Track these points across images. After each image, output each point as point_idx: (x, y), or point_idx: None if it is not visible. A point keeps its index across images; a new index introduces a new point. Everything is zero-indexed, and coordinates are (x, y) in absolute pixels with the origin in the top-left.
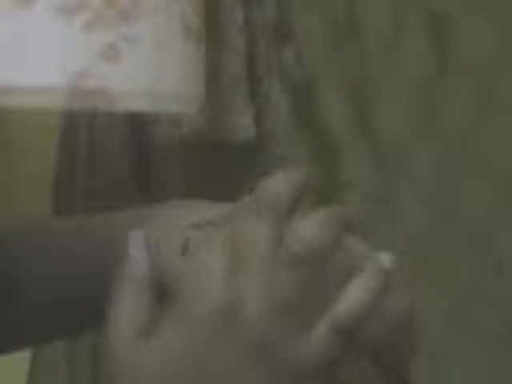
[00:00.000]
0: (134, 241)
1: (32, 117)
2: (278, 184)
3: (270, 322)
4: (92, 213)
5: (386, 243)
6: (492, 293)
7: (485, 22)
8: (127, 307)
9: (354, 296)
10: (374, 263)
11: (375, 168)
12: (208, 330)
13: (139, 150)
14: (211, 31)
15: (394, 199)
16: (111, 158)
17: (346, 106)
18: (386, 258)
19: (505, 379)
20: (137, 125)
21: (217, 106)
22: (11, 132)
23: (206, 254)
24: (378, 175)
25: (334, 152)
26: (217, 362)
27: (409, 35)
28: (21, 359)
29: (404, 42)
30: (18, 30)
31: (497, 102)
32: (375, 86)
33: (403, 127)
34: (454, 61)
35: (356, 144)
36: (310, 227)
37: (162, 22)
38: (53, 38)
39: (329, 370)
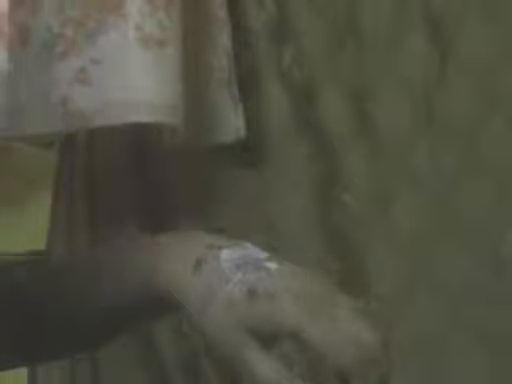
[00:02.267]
0: None
1: None
2: None
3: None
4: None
5: (386, 243)
6: (492, 293)
7: (485, 22)
8: None
9: None
10: None
11: (375, 168)
12: None
13: (137, 153)
14: (203, 33)
15: (393, 199)
16: (111, 159)
17: (346, 106)
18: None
19: (505, 379)
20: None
21: (208, 108)
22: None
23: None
24: (377, 175)
25: (334, 152)
26: None
27: (409, 35)
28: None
29: (404, 41)
30: None
31: (497, 102)
32: (375, 86)
33: (403, 127)
34: (453, 61)
35: (356, 144)
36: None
37: (119, 38)
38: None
39: None
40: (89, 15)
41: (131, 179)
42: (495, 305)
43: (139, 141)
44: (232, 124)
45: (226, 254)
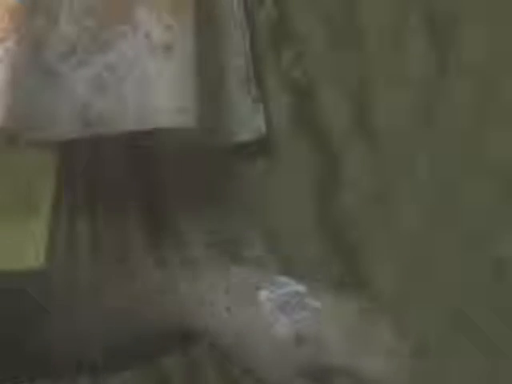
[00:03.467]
0: None
1: None
2: None
3: None
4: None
5: (385, 243)
6: (492, 293)
7: (485, 22)
8: None
9: None
10: None
11: (375, 168)
12: None
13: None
14: (216, 32)
15: (393, 199)
16: (111, 159)
17: (346, 106)
18: None
19: (505, 379)
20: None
21: (225, 108)
22: None
23: None
24: (377, 175)
25: (334, 152)
26: None
27: (409, 35)
28: None
29: (404, 42)
30: None
31: (497, 102)
32: (375, 86)
33: (403, 127)
34: (453, 61)
35: (356, 144)
36: None
37: (132, 44)
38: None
39: None
40: (102, 25)
41: (132, 180)
42: (495, 305)
43: (138, 141)
44: (252, 123)
45: (264, 295)
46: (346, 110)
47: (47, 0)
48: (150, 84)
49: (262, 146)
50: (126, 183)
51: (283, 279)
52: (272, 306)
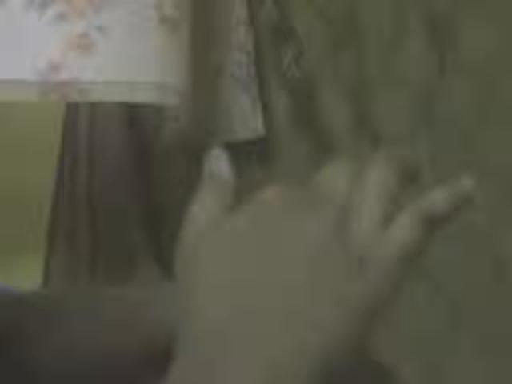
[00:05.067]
0: (216, 154)
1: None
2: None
3: (353, 207)
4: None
5: None
6: (492, 293)
7: (485, 22)
8: (205, 201)
9: (437, 196)
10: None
11: None
12: (287, 212)
13: (138, 148)
14: (218, 30)
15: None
16: (111, 155)
17: (346, 107)
18: (467, 181)
19: (505, 379)
20: (135, 122)
21: (221, 105)
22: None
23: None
24: None
25: (334, 151)
26: (289, 244)
27: (409, 35)
28: None
29: (404, 42)
30: None
31: (497, 102)
32: (375, 86)
33: (403, 127)
34: (453, 61)
35: (355, 143)
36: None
37: (135, 11)
38: (24, 28)
39: (402, 262)
40: None
41: (133, 180)
42: (495, 305)
43: (139, 140)
44: (249, 122)
45: None
46: (345, 110)
47: None
48: (141, 56)
49: (261, 146)
50: (127, 182)
51: None
52: None
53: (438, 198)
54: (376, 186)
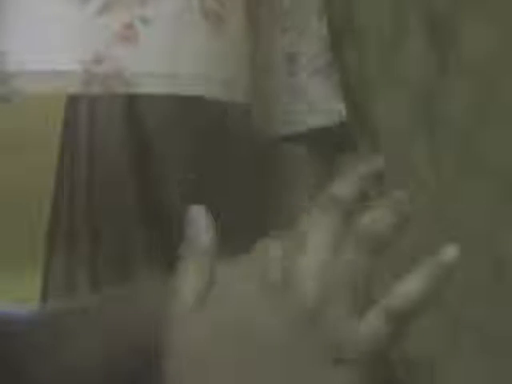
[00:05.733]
0: (195, 214)
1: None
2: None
3: (324, 299)
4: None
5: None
6: (492, 293)
7: (485, 22)
8: (188, 278)
9: (410, 285)
10: (435, 257)
11: None
12: (261, 301)
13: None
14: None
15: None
16: (112, 152)
17: (346, 106)
18: (449, 252)
19: (505, 379)
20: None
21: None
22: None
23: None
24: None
25: (334, 151)
26: (265, 333)
27: (409, 35)
28: None
29: (404, 42)
30: (34, 13)
31: (497, 102)
32: (375, 86)
33: (403, 127)
34: (453, 61)
35: (355, 144)
36: (378, 218)
37: (180, 3)
38: (68, 20)
39: (374, 354)
40: None
41: (133, 180)
42: (495, 305)
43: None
44: (332, 108)
45: None
46: (345, 110)
47: None
48: (185, 48)
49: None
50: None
51: None
52: None
53: (411, 289)
54: (346, 274)
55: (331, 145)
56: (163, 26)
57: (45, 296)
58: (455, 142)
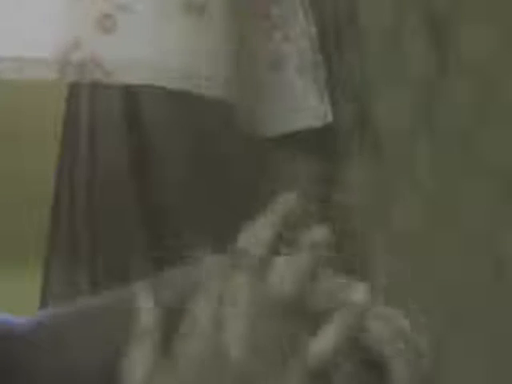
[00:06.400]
0: (141, 294)
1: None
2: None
3: (250, 362)
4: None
5: (386, 243)
6: (492, 293)
7: (485, 22)
8: (136, 359)
9: (324, 343)
10: (348, 306)
11: (375, 167)
12: (198, 370)
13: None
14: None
15: (393, 199)
16: (112, 149)
17: (347, 106)
18: (360, 291)
19: (505, 379)
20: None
21: (281, 93)
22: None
23: (196, 306)
24: (377, 175)
25: (334, 152)
26: None
27: (409, 35)
28: None
29: (404, 42)
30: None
31: (497, 102)
32: (375, 86)
33: (403, 127)
34: (453, 61)
35: (355, 144)
36: (287, 280)
37: None
38: (46, 7)
39: None
40: None
41: (133, 180)
42: (495, 305)
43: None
44: (318, 109)
45: None
46: (346, 110)
47: None
48: (165, 39)
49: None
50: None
51: None
52: None
53: (325, 347)
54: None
55: (317, 146)
56: (143, 16)
57: (45, 296)
58: (455, 142)
